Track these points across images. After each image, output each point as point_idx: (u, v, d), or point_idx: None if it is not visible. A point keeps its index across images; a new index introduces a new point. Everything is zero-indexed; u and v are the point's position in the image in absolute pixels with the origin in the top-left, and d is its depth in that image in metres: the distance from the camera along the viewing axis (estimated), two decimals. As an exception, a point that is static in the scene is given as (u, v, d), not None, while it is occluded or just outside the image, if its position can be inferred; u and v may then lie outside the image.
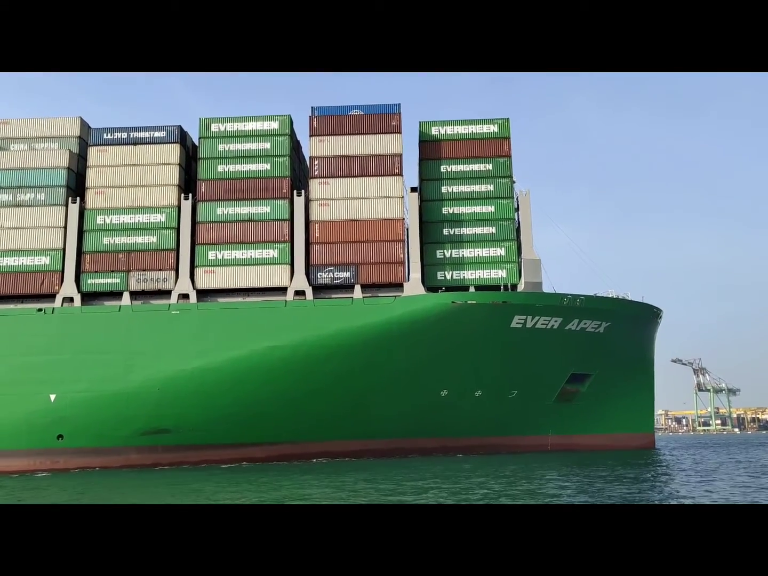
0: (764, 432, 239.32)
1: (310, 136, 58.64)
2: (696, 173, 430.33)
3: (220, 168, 57.90)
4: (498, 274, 56.79)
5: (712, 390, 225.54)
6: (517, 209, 58.69)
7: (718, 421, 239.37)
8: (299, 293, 55.60)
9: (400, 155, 57.85)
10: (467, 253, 57.20)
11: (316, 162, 57.93)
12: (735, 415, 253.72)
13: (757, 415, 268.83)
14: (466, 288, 56.43)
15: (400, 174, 57.58)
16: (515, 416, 58.26)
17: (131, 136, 58.87)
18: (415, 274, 55.85)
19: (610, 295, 58.81)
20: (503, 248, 57.05)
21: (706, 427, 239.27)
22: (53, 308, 55.43)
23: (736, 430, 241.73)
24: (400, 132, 58.18)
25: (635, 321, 60.53)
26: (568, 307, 55.72)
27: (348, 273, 55.78)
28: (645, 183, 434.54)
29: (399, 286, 55.92)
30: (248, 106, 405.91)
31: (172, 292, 55.93)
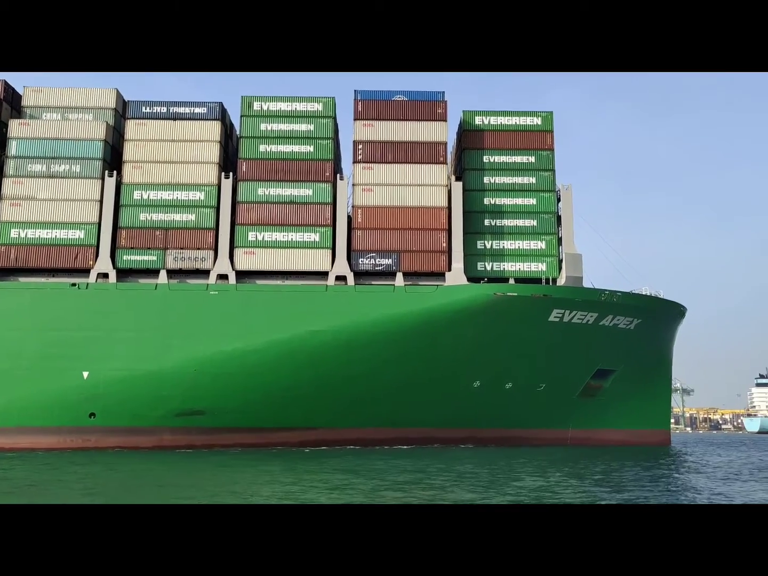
0: (715, 432, 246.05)
1: (355, 119, 58.02)
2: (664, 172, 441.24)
3: (262, 148, 56.94)
4: (538, 267, 57.13)
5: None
6: (558, 202, 59.10)
7: (672, 420, 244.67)
8: (340, 278, 55.13)
9: (445, 143, 57.73)
10: (508, 244, 57.37)
11: (360, 146, 57.40)
12: (688, 415, 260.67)
13: (709, 416, 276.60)
14: (505, 280, 56.67)
15: (445, 162, 57.48)
16: (540, 409, 58.79)
17: (171, 111, 57.44)
18: (458, 263, 55.77)
19: (644, 293, 59.70)
20: (544, 241, 57.39)
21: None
22: (87, 283, 53.97)
23: (689, 429, 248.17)
24: (445, 120, 57.99)
25: (663, 318, 61.60)
26: (605, 303, 56.42)
27: (390, 260, 55.50)
28: (614, 180, 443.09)
29: (441, 275, 55.85)
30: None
31: (211, 272, 54.88)
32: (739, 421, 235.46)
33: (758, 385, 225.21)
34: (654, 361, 62.76)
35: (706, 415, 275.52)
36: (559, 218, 58.77)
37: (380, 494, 23.63)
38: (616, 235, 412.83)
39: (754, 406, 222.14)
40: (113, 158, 57.63)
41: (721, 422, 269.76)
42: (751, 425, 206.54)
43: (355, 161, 57.44)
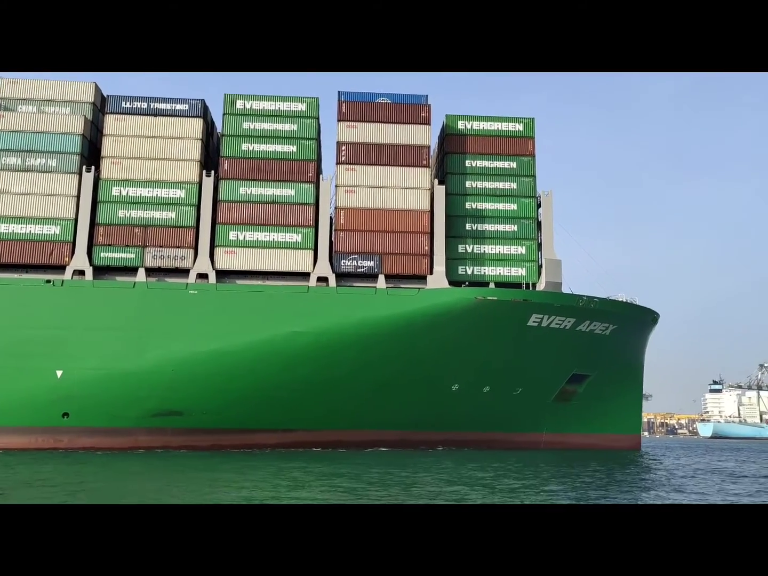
0: (671, 436, 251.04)
1: (339, 120, 57.74)
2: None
3: (244, 146, 56.30)
4: (518, 272, 57.50)
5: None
6: (539, 208, 59.57)
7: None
8: (322, 280, 54.79)
9: (429, 147, 57.80)
10: (488, 249, 57.65)
11: (343, 148, 57.13)
12: (646, 420, 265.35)
13: (666, 420, 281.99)
14: (486, 284, 56.95)
15: (428, 166, 57.55)
16: (516, 413, 59.21)
17: (151, 106, 56.45)
18: (440, 267, 55.83)
19: (620, 299, 60.49)
20: (524, 247, 57.79)
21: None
22: (62, 280, 52.77)
23: (646, 433, 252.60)
24: (429, 123, 58.06)
25: (636, 325, 62.50)
26: (583, 309, 57.02)
27: (372, 262, 55.33)
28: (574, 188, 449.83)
29: (422, 278, 55.86)
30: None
31: (191, 271, 54.04)
32: (694, 426, 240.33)
33: (711, 391, 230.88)
34: (627, 367, 63.67)
35: (663, 420, 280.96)
36: (539, 224, 59.27)
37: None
38: (595, 241, 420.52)
39: (708, 412, 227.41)
40: (91, 153, 56.45)
41: (677, 427, 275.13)
42: (705, 430, 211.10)
43: (338, 162, 57.16)
